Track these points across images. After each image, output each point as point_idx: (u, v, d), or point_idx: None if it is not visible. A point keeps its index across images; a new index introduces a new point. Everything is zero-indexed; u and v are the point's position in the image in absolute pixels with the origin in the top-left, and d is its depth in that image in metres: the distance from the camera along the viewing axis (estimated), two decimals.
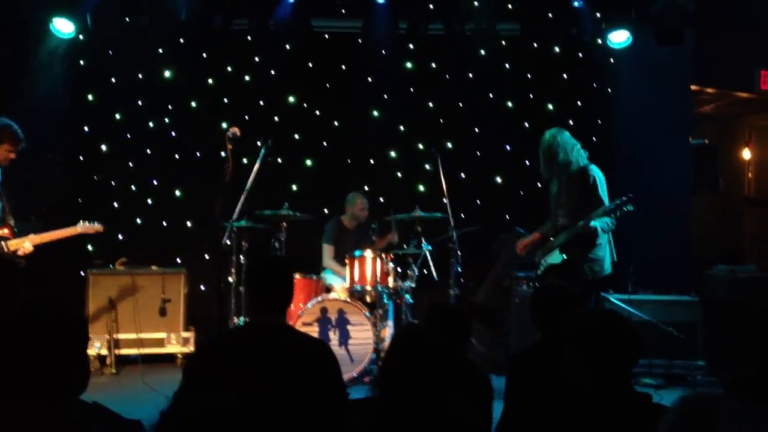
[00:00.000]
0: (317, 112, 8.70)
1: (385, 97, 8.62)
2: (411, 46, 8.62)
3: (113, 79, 8.38)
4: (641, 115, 8.05)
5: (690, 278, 7.53)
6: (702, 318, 6.81)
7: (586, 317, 2.98)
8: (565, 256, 5.88)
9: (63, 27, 7.61)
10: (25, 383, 2.06)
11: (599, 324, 2.87)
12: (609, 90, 8.54)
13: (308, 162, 8.67)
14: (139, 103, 8.43)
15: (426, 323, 3.74)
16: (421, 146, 8.60)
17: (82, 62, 8.27)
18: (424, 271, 7.02)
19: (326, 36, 8.56)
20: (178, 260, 8.06)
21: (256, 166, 6.43)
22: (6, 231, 6.02)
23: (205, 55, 8.51)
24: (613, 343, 2.78)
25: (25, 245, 6.00)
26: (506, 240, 7.32)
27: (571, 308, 3.74)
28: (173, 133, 8.50)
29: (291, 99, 8.69)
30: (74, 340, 2.17)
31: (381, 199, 8.26)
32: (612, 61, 8.37)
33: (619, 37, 7.90)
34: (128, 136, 8.43)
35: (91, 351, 6.95)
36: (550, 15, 7.93)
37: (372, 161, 8.70)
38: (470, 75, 8.69)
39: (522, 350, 3.92)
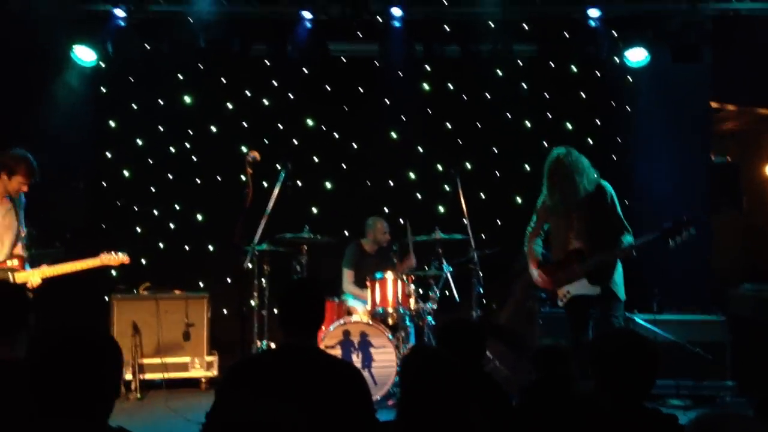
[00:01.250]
0: (336, 135, 8.74)
1: (403, 118, 8.65)
2: (428, 67, 8.67)
3: (134, 106, 8.48)
4: (660, 133, 8.03)
5: (711, 297, 7.45)
6: (729, 337, 6.74)
7: (603, 339, 3.01)
8: (597, 287, 5.63)
9: (84, 55, 7.71)
10: (60, 403, 2.15)
11: (614, 344, 2.88)
12: (627, 108, 8.53)
13: (328, 184, 8.70)
14: (160, 128, 8.52)
15: (439, 340, 3.81)
16: (439, 167, 8.61)
17: (103, 89, 8.38)
18: (446, 292, 7.01)
19: (343, 59, 8.61)
20: (201, 284, 8.09)
21: (276, 190, 6.47)
22: (16, 262, 5.95)
23: (223, 80, 8.60)
24: (629, 361, 2.79)
25: (32, 279, 5.91)
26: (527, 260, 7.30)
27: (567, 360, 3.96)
28: (194, 158, 8.58)
29: (309, 122, 8.75)
30: (104, 367, 2.25)
31: (401, 221, 8.26)
32: (630, 79, 8.36)
33: (637, 56, 7.89)
34: (150, 161, 8.53)
35: None
36: (566, 35, 7.93)
37: (391, 183, 8.72)
38: (487, 95, 8.71)
39: (530, 384, 3.95)
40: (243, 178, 6.11)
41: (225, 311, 8.06)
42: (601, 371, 2.87)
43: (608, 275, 5.63)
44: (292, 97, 8.66)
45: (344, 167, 8.71)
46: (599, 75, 8.60)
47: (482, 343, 3.82)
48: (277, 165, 6.72)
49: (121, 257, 6.38)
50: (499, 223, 8.51)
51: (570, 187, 5.70)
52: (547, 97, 8.72)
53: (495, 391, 3.72)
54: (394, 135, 8.72)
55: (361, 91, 8.74)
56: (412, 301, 6.82)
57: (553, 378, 3.88)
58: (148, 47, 7.76)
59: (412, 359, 2.98)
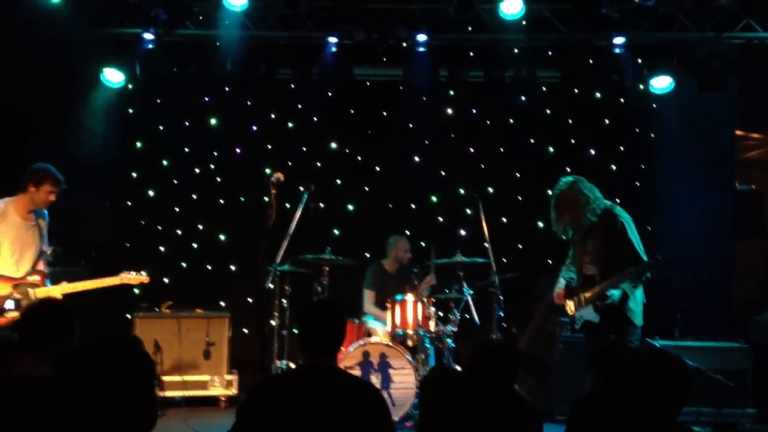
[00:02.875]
0: (359, 158, 8.82)
1: (426, 142, 8.72)
2: (451, 92, 8.72)
3: (161, 127, 8.61)
4: (684, 161, 7.99)
5: (732, 324, 7.36)
6: (751, 365, 6.65)
7: (631, 355, 2.97)
8: (598, 316, 5.59)
9: (113, 76, 7.83)
10: (97, 423, 2.14)
11: (643, 361, 2.85)
12: (652, 135, 8.51)
13: (350, 207, 8.76)
14: (186, 149, 8.64)
15: (472, 363, 3.74)
16: (462, 191, 8.65)
17: (130, 110, 8.52)
18: (466, 315, 6.98)
19: (367, 83, 8.69)
20: (222, 304, 8.12)
21: (299, 211, 6.50)
22: (38, 278, 5.99)
23: (249, 102, 8.72)
24: (659, 378, 2.75)
25: (53, 294, 5.88)
26: (548, 285, 7.24)
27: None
28: (218, 179, 8.68)
29: (333, 145, 8.83)
30: (143, 381, 2.24)
31: (422, 244, 8.27)
32: (654, 106, 8.33)
33: (661, 83, 7.86)
34: (174, 181, 8.64)
35: None
36: (590, 61, 7.93)
37: (413, 206, 8.75)
38: (511, 120, 8.74)
39: (581, 398, 3.87)
40: (266, 199, 6.16)
41: (246, 331, 8.10)
42: (631, 389, 2.82)
43: (613, 305, 5.51)
44: (316, 120, 8.75)
45: (367, 190, 8.77)
46: (623, 101, 8.60)
47: (514, 365, 3.76)
48: (301, 187, 6.77)
49: (141, 276, 6.36)
50: (521, 248, 8.49)
51: (573, 218, 5.75)
52: (571, 122, 8.73)
53: (524, 415, 3.65)
54: (416, 159, 8.77)
55: (385, 114, 8.82)
56: (432, 323, 6.80)
57: (610, 391, 3.74)
58: (176, 70, 7.87)
59: (431, 381, 2.97)
